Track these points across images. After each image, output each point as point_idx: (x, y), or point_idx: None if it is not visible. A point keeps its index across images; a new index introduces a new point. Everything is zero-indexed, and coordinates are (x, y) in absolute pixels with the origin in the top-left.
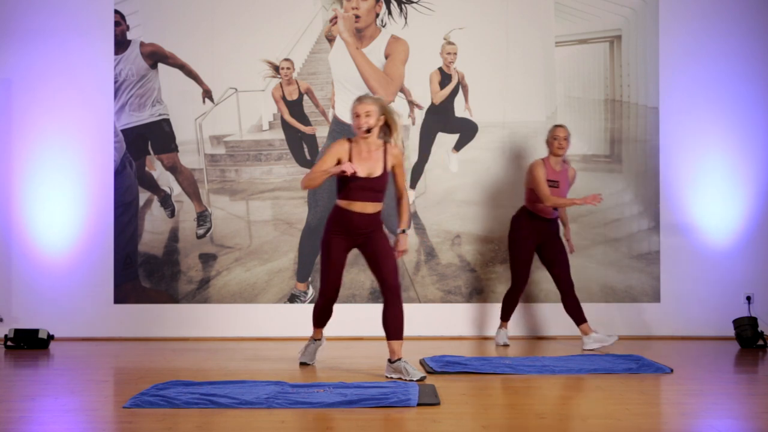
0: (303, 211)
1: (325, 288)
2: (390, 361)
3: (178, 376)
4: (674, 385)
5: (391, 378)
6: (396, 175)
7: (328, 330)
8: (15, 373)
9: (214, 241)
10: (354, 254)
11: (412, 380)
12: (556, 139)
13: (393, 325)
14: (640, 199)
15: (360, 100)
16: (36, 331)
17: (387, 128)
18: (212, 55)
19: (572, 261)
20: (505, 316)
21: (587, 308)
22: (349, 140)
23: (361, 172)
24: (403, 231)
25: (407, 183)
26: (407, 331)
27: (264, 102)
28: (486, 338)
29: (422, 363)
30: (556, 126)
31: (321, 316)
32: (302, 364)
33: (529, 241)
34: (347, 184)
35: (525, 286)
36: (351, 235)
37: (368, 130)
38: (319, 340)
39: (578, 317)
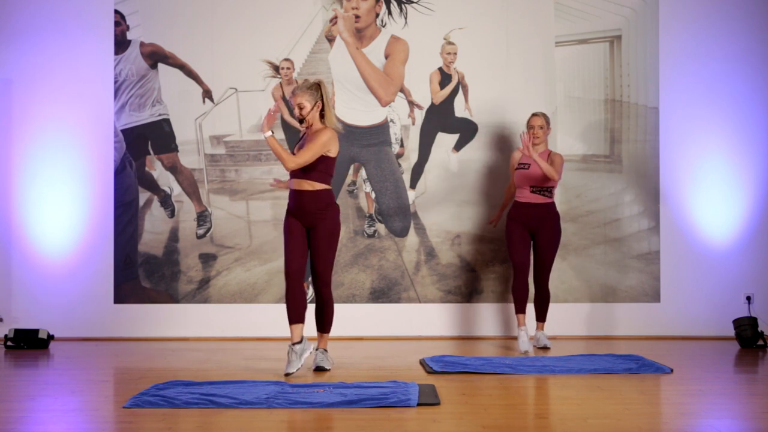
0: None
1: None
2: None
3: (178, 376)
4: (674, 385)
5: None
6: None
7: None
8: (15, 373)
9: (214, 241)
10: (353, 254)
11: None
12: (532, 128)
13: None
14: (640, 199)
15: (293, 92)
16: (36, 331)
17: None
18: (212, 55)
19: (573, 261)
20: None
21: (588, 308)
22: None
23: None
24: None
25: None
26: (408, 331)
27: (264, 102)
28: (485, 338)
29: (422, 363)
30: (533, 114)
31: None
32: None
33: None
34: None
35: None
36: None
37: (302, 121)
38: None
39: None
